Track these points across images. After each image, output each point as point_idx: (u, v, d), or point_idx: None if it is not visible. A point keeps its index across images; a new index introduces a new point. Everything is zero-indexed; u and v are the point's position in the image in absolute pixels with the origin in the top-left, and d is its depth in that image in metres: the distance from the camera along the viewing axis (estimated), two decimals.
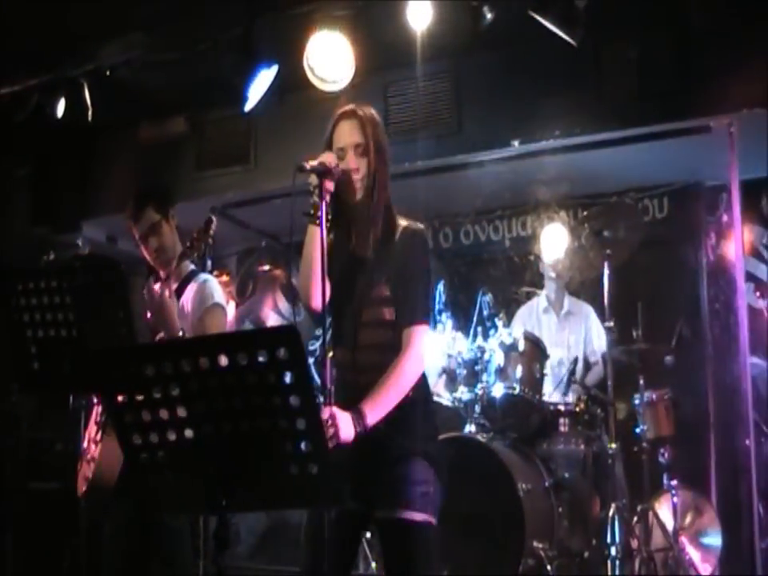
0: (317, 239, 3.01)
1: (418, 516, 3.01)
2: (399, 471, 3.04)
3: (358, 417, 2.91)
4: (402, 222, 3.22)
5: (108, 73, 6.13)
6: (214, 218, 4.00)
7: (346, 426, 2.86)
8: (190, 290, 4.14)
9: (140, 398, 2.30)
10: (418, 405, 3.11)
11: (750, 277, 6.76)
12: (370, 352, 3.11)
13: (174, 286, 4.04)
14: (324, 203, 3.02)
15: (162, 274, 4.19)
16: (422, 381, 3.18)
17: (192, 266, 4.26)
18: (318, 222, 3.02)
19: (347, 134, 3.17)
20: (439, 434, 3.35)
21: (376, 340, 3.12)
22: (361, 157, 3.15)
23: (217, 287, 4.20)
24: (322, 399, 2.86)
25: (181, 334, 3.82)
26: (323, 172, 3.03)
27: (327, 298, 3.01)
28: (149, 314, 3.93)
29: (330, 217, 3.08)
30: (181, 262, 4.04)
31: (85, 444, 4.02)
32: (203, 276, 4.23)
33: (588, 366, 6.23)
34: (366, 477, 3.03)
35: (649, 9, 5.83)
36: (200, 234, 3.94)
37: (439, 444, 3.26)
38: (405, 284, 3.12)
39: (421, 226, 3.26)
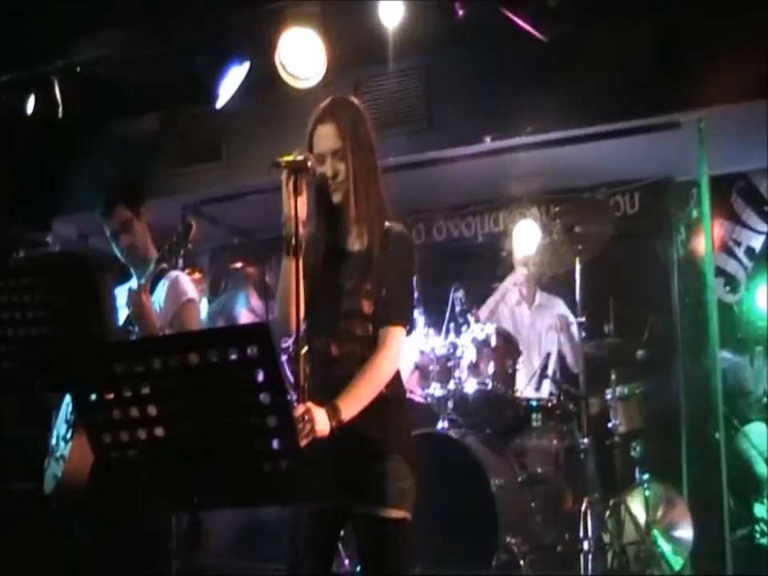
0: (292, 272, 2.98)
1: (397, 513, 3.02)
2: (377, 468, 3.04)
3: (333, 411, 2.90)
4: (387, 224, 3.19)
5: (80, 69, 6.09)
6: (193, 223, 3.99)
7: (321, 421, 2.85)
8: (162, 288, 4.13)
9: (110, 396, 2.29)
10: (392, 402, 3.11)
11: (720, 272, 6.82)
12: (347, 343, 3.10)
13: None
14: (295, 201, 2.98)
15: (134, 273, 4.18)
16: (396, 378, 3.19)
17: (163, 264, 4.25)
18: (292, 254, 2.99)
19: (324, 139, 3.13)
20: (413, 431, 3.36)
21: (353, 331, 3.11)
22: (340, 161, 3.11)
23: (189, 283, 4.20)
24: (295, 396, 2.86)
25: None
26: (298, 168, 3.01)
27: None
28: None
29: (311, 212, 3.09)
30: (159, 265, 4.02)
31: (53, 441, 4.01)
32: (174, 273, 4.22)
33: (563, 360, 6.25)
34: (343, 474, 3.03)
35: (618, 7, 5.86)
36: (179, 238, 3.93)
37: (413, 440, 3.26)
38: (389, 284, 3.11)
39: (404, 229, 3.24)
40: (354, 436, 2.98)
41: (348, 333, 3.11)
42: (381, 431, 3.06)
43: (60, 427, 3.97)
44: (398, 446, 3.10)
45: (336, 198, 3.14)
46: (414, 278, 3.27)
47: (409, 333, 3.23)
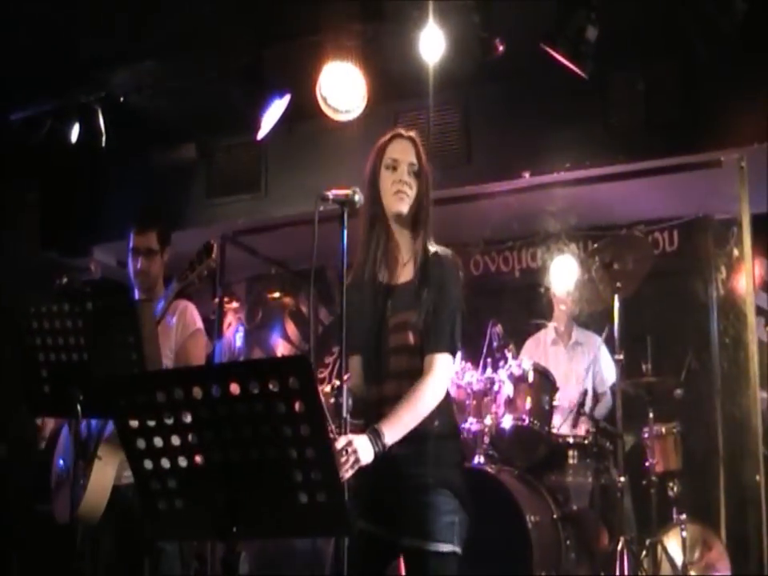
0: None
1: (444, 547, 3.02)
2: (425, 500, 3.04)
3: (375, 436, 2.89)
4: (432, 248, 3.22)
5: (122, 99, 6.18)
6: (213, 242, 4.03)
7: (364, 449, 2.85)
8: (173, 315, 4.20)
9: (151, 423, 2.30)
10: (443, 433, 3.10)
11: (760, 311, 6.74)
12: (397, 381, 3.11)
13: (159, 305, 4.09)
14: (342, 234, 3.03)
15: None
16: (448, 409, 3.20)
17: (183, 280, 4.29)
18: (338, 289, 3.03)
19: (403, 150, 3.22)
20: (464, 464, 3.34)
21: (402, 367, 3.12)
22: (414, 177, 3.20)
23: (196, 312, 4.32)
24: (335, 428, 2.85)
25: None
26: (345, 202, 3.04)
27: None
28: None
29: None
30: (179, 286, 4.07)
31: (63, 466, 4.04)
32: (183, 302, 4.32)
33: (597, 397, 6.20)
34: (391, 504, 3.04)
35: (657, 41, 5.85)
36: (200, 256, 3.97)
37: (463, 474, 3.23)
38: (433, 312, 3.11)
39: (450, 252, 3.25)
40: (405, 466, 2.99)
41: (398, 369, 3.12)
42: (431, 463, 3.05)
43: (68, 453, 3.97)
44: (444, 481, 3.08)
45: (400, 205, 3.18)
46: (459, 300, 3.20)
47: (454, 355, 3.18)
